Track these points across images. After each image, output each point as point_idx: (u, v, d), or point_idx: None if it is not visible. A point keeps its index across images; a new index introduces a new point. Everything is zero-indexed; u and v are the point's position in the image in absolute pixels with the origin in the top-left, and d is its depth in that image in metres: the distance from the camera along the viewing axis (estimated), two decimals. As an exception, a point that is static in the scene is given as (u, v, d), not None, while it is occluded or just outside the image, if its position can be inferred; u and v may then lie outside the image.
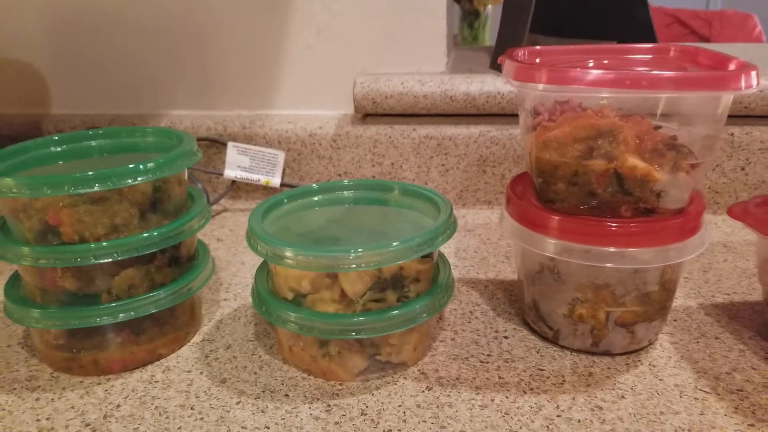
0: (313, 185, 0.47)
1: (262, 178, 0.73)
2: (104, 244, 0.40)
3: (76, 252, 0.39)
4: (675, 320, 0.47)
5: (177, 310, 0.45)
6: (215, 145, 0.76)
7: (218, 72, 0.77)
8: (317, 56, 0.75)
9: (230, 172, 0.73)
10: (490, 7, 1.87)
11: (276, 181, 0.73)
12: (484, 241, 0.63)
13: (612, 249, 0.38)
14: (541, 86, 0.36)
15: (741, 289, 0.51)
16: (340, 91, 0.76)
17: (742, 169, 0.65)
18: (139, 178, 0.40)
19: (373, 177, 0.74)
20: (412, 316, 0.40)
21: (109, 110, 0.81)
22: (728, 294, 0.50)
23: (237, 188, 0.76)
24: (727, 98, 0.37)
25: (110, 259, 0.40)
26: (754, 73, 0.34)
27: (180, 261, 0.45)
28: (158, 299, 0.42)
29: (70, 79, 0.80)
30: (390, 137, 0.72)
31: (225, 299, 0.52)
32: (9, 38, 0.79)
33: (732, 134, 0.65)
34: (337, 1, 0.72)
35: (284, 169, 0.75)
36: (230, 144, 0.73)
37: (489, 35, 1.90)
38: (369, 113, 0.73)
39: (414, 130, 0.71)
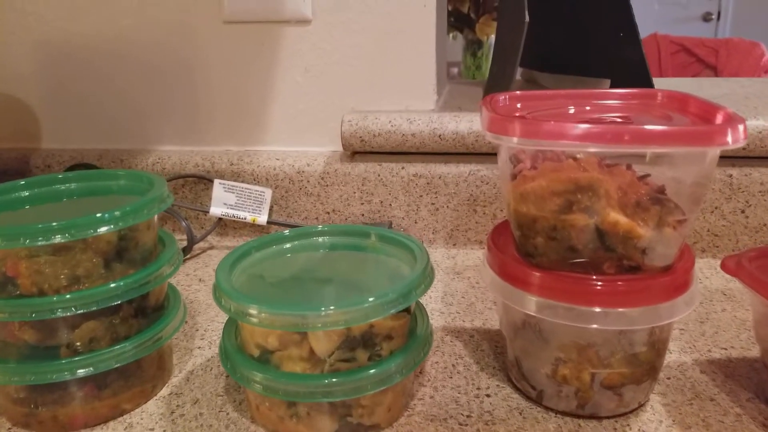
0: (285, 232, 0.46)
1: (248, 216, 0.72)
2: (67, 296, 0.38)
3: (33, 306, 0.38)
4: (668, 378, 0.44)
5: (144, 362, 0.43)
6: (202, 181, 0.74)
7: (207, 108, 0.77)
8: (306, 93, 0.74)
9: (216, 210, 0.71)
10: (493, 36, 1.86)
11: (263, 218, 0.72)
12: (472, 285, 0.61)
13: (596, 309, 0.36)
14: (515, 140, 0.34)
15: (739, 343, 0.48)
16: (328, 128, 0.75)
17: (742, 211, 0.63)
18: (101, 229, 0.38)
19: (362, 215, 0.72)
20: (384, 376, 0.37)
21: (98, 145, 0.80)
22: (725, 348, 0.48)
23: (224, 225, 0.75)
24: (713, 152, 0.35)
25: (69, 313, 0.38)
26: (741, 127, 0.33)
27: (147, 311, 0.43)
28: (122, 353, 0.40)
29: (60, 114, 0.80)
30: (379, 175, 0.70)
31: (199, 347, 0.50)
32: (1, 73, 0.79)
33: (731, 176, 0.62)
34: (325, 39, 0.71)
35: (272, 207, 0.74)
36: (216, 181, 0.71)
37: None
38: (357, 151, 0.72)
39: (403, 168, 0.70)
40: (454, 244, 0.70)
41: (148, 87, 0.77)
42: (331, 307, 0.35)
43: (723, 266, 0.41)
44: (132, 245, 0.42)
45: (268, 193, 0.72)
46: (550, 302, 0.37)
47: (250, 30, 0.73)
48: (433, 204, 0.70)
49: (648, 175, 0.37)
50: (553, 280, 0.37)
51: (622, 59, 0.65)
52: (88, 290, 0.39)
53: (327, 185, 0.72)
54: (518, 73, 0.98)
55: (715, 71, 3.45)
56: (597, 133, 0.32)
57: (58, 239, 0.37)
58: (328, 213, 0.73)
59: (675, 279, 0.37)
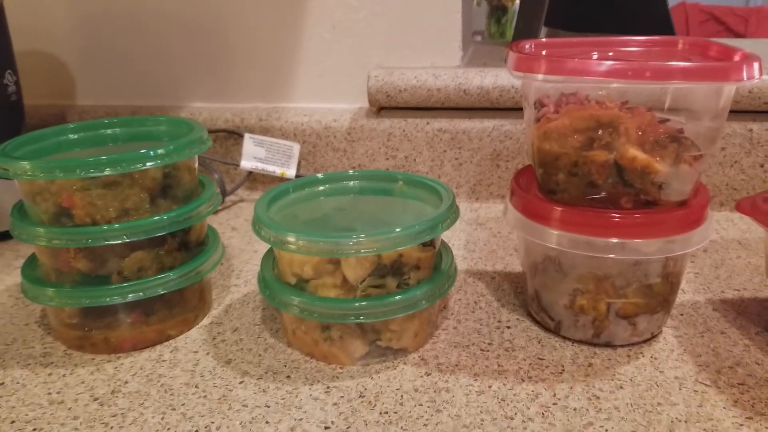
0: (319, 175, 0.48)
1: (277, 170, 0.74)
2: (115, 226, 0.41)
3: (87, 233, 0.41)
4: (681, 314, 0.46)
5: (186, 293, 0.46)
6: (233, 136, 0.77)
7: (237, 65, 0.79)
8: (333, 50, 0.76)
9: (246, 163, 0.74)
10: (517, 2, 1.85)
11: (291, 172, 0.74)
12: (494, 235, 0.63)
13: (613, 240, 0.38)
14: (540, 76, 0.36)
15: (752, 286, 0.50)
16: (354, 85, 0.77)
17: (761, 165, 0.64)
18: (148, 164, 0.41)
19: (387, 170, 0.74)
20: (411, 302, 0.40)
21: (131, 102, 0.83)
22: (738, 290, 0.50)
23: (253, 179, 0.78)
24: (729, 89, 0.36)
25: (120, 241, 0.41)
26: (756, 64, 0.34)
27: (189, 245, 0.46)
28: (167, 281, 0.43)
29: (94, 72, 0.83)
30: (404, 130, 0.72)
31: (235, 285, 0.54)
32: (38, 33, 0.82)
33: (751, 130, 0.63)
34: (353, -5, 0.73)
35: (299, 161, 0.76)
36: (247, 135, 0.74)
37: (514, 32, 1.89)
38: (383, 106, 0.74)
39: (428, 123, 0.72)
40: (476, 198, 0.73)
41: (180, 44, 0.79)
42: (363, 236, 0.38)
43: (738, 207, 0.43)
44: (175, 183, 0.44)
45: (296, 147, 0.74)
46: (569, 235, 0.39)
47: (278, -13, 0.74)
48: (456, 159, 0.72)
49: (667, 120, 0.39)
50: (573, 214, 0.39)
51: (647, 16, 0.66)
52: (136, 221, 0.42)
53: (353, 141, 0.74)
54: (543, 33, 0.99)
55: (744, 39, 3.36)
56: (619, 69, 0.34)
57: (108, 172, 0.40)
58: (354, 168, 0.75)
59: (689, 213, 0.39)
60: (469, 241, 0.62)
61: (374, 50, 0.75)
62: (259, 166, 0.74)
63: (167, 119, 0.50)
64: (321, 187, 0.48)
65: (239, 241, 0.63)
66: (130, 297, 0.42)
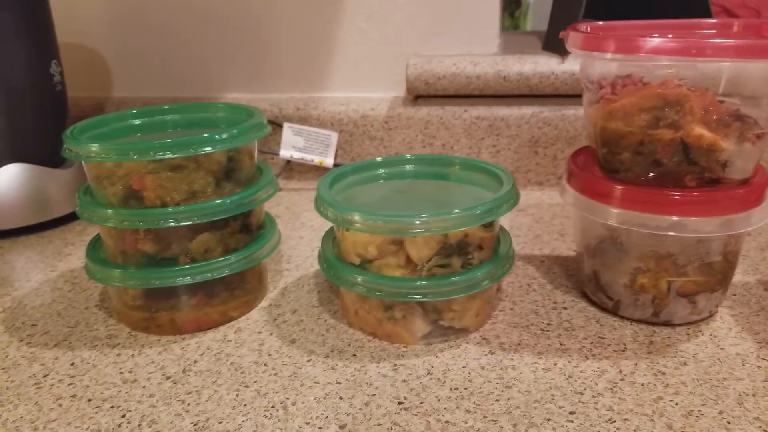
0: (377, 159, 0.49)
1: (315, 159, 0.75)
2: (183, 208, 0.42)
3: (158, 215, 0.42)
4: (734, 294, 0.47)
5: (246, 275, 0.47)
6: (271, 126, 0.78)
7: (273, 56, 0.80)
8: (369, 40, 0.77)
9: (285, 153, 0.75)
10: (531, -5, 1.85)
11: (329, 161, 0.75)
12: (536, 220, 0.64)
13: (675, 218, 0.39)
14: (609, 55, 0.37)
15: (802, 267, 0.51)
16: (391, 74, 0.77)
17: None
18: (216, 147, 0.42)
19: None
20: (474, 282, 0.41)
21: (168, 93, 0.84)
22: (788, 271, 0.50)
23: (290, 169, 0.78)
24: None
25: (189, 222, 0.42)
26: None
27: (250, 228, 0.47)
28: (231, 263, 0.44)
29: (131, 64, 0.84)
30: (441, 118, 0.73)
31: (287, 269, 0.54)
32: (78, 27, 0.83)
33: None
34: (390, -16, 0.74)
35: (337, 150, 0.77)
36: (286, 125, 0.75)
37: (530, 24, 1.88)
38: (420, 95, 0.74)
39: (465, 111, 0.72)
40: (513, 185, 0.73)
41: (215, 36, 0.80)
42: (430, 215, 0.38)
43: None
44: (238, 167, 0.45)
45: (334, 136, 0.75)
46: (632, 213, 0.40)
47: (315, -23, 0.75)
48: (494, 146, 0.73)
49: (723, 101, 0.40)
50: (635, 192, 0.40)
51: (687, 5, 0.66)
52: (203, 203, 0.43)
53: (390, 129, 0.75)
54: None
55: (757, 32, 3.34)
56: (684, 46, 0.34)
57: (179, 154, 0.41)
58: (391, 156, 0.76)
59: (751, 192, 0.39)
60: (512, 226, 0.62)
61: (410, 39, 0.76)
62: (298, 155, 0.75)
63: (225, 105, 0.51)
64: (379, 171, 0.49)
65: (284, 228, 0.64)
66: (198, 278, 0.43)
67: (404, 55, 0.76)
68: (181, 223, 0.42)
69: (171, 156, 0.40)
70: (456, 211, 0.39)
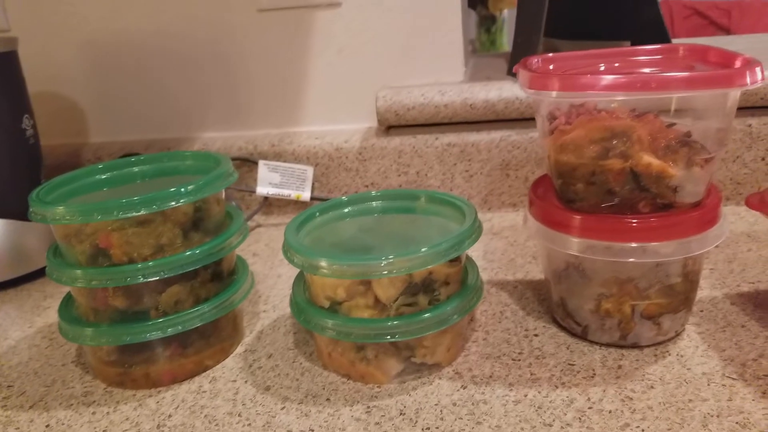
0: (343, 198, 0.50)
1: (292, 193, 0.76)
2: (151, 263, 0.43)
3: (126, 272, 0.42)
4: (701, 311, 0.48)
5: (221, 323, 0.48)
6: (247, 164, 0.79)
7: (247, 94, 0.81)
8: (340, 73, 0.78)
9: (262, 189, 0.76)
10: (506, 11, 1.88)
11: (306, 195, 0.76)
12: (511, 243, 0.64)
13: (634, 244, 0.40)
14: (554, 93, 0.38)
15: (766, 278, 0.51)
16: (363, 106, 0.79)
17: (763, 159, 0.66)
18: (181, 200, 0.43)
19: (400, 186, 0.76)
20: (443, 317, 0.41)
21: (145, 136, 0.85)
22: (753, 283, 0.51)
23: (269, 204, 0.79)
24: (734, 94, 0.38)
25: (157, 277, 0.42)
26: (758, 69, 0.36)
27: (222, 276, 0.48)
28: (203, 313, 0.45)
29: (107, 109, 0.85)
30: (414, 147, 0.74)
31: (264, 311, 0.55)
32: (49, 73, 0.84)
33: (750, 125, 0.65)
34: (355, 20, 0.75)
35: (313, 183, 0.78)
36: (261, 162, 0.76)
37: (506, 39, 1.91)
38: (392, 125, 0.75)
39: (437, 138, 0.73)
40: (489, 208, 0.74)
41: (190, 78, 0.81)
42: (394, 256, 0.39)
43: (747, 203, 0.44)
44: (206, 216, 0.46)
45: (310, 170, 0.76)
46: (591, 242, 0.41)
47: (283, 16, 0.76)
48: (467, 171, 0.74)
49: (674, 124, 0.41)
50: (593, 221, 0.41)
51: (641, 20, 0.68)
52: (171, 257, 0.43)
53: (365, 160, 0.76)
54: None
55: (728, 33, 3.41)
56: (627, 82, 0.35)
57: (144, 211, 0.41)
58: (367, 186, 0.77)
59: (704, 214, 0.40)
60: (486, 251, 0.63)
61: (380, 70, 0.77)
62: (275, 191, 0.76)
63: (193, 154, 0.52)
64: (346, 209, 0.50)
65: (262, 267, 0.65)
66: (170, 331, 0.43)
67: (375, 86, 0.77)
68: (148, 279, 0.42)
69: (134, 214, 0.41)
70: (420, 250, 0.40)
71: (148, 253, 0.43)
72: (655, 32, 0.67)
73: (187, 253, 0.44)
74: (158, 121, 0.84)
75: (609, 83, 0.36)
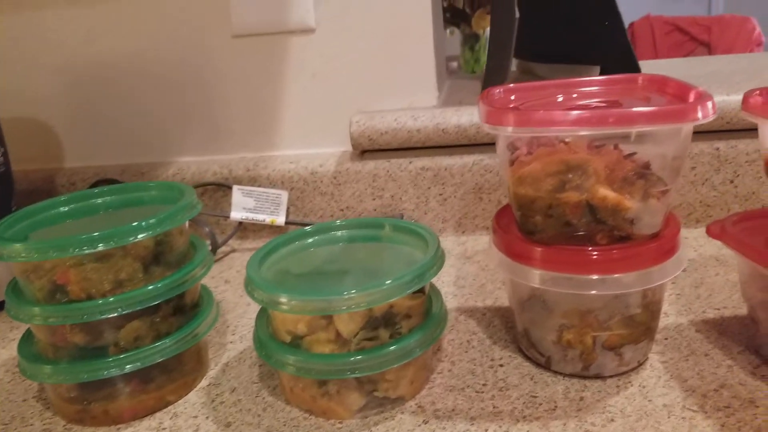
0: (307, 228, 0.50)
1: (267, 218, 0.76)
2: (110, 299, 0.42)
3: (83, 309, 0.42)
4: (666, 338, 0.48)
5: (184, 357, 0.47)
6: (222, 188, 0.78)
7: (222, 118, 0.81)
8: (314, 98, 0.78)
9: (236, 214, 0.75)
10: (489, 29, 1.89)
11: (281, 219, 0.76)
12: (482, 268, 0.64)
13: (593, 276, 0.40)
14: (510, 129, 0.38)
15: (732, 303, 0.52)
16: (338, 130, 0.79)
17: (731, 181, 0.66)
18: (140, 235, 0.42)
19: (374, 210, 0.76)
20: (405, 351, 0.41)
21: (119, 161, 0.85)
22: (719, 309, 0.51)
23: (244, 229, 0.79)
24: (687, 128, 0.38)
25: (116, 314, 0.42)
26: (710, 104, 0.36)
27: (184, 309, 0.47)
28: (164, 348, 0.44)
29: (82, 133, 0.84)
30: (388, 171, 0.74)
31: (231, 342, 0.54)
32: (24, 98, 0.83)
33: (718, 149, 0.66)
34: (329, 46, 0.75)
35: (288, 208, 0.78)
36: (235, 187, 0.75)
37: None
38: (366, 149, 0.76)
39: (410, 162, 0.74)
40: (463, 232, 0.74)
41: (166, 102, 0.81)
42: (353, 291, 0.39)
43: (708, 231, 0.44)
44: (167, 249, 0.46)
45: (284, 195, 0.76)
46: (552, 274, 0.41)
47: (258, 42, 0.77)
48: (441, 194, 0.74)
49: (634, 153, 0.41)
50: (553, 253, 0.41)
51: (610, 46, 0.69)
52: (130, 292, 0.43)
53: (339, 184, 0.76)
54: (515, 65, 1.02)
55: (708, 48, 3.45)
56: (583, 118, 0.36)
57: (101, 247, 0.41)
58: (342, 210, 0.77)
59: (662, 245, 0.40)
60: (458, 276, 0.63)
61: (354, 95, 0.77)
62: (249, 216, 0.75)
63: (157, 184, 0.52)
64: (310, 239, 0.49)
65: (232, 295, 0.64)
66: (128, 368, 0.43)
67: (349, 110, 0.77)
68: (105, 317, 0.42)
69: (91, 250, 0.41)
70: (380, 283, 0.39)
71: (107, 288, 0.43)
72: (624, 59, 0.68)
73: (148, 287, 0.44)
74: (133, 146, 0.84)
75: (563, 119, 0.36)
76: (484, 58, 1.97)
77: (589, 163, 0.38)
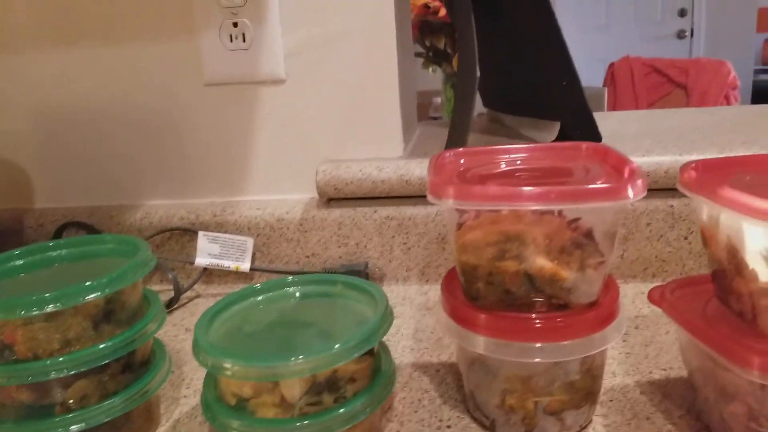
0: (257, 285, 0.50)
1: (232, 264, 0.76)
2: (58, 359, 0.42)
3: (29, 369, 0.42)
4: (611, 400, 0.48)
5: (132, 415, 0.47)
6: (188, 233, 0.79)
7: (192, 164, 0.82)
8: (283, 146, 0.80)
9: (201, 260, 0.76)
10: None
11: (246, 266, 0.76)
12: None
13: (536, 344, 0.41)
14: (451, 202, 0.39)
15: (678, 363, 0.53)
16: (305, 177, 0.80)
17: (685, 238, 0.68)
18: (91, 295, 0.43)
19: (340, 257, 0.77)
20: (349, 415, 0.42)
21: (89, 203, 0.85)
22: (665, 369, 0.52)
23: (209, 274, 0.79)
24: (620, 204, 0.39)
25: (62, 375, 0.42)
26: (639, 182, 0.38)
27: (134, 366, 0.47)
28: (111, 408, 0.44)
29: (52, 174, 0.85)
30: (353, 219, 0.75)
31: (185, 396, 0.54)
32: (-6, 140, 0.84)
33: (672, 206, 0.68)
34: (298, 97, 0.77)
35: (254, 254, 0.78)
36: (200, 233, 0.76)
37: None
38: (332, 198, 0.77)
39: (375, 211, 0.75)
40: (426, 281, 0.75)
41: (136, 146, 0.82)
42: (299, 357, 0.39)
43: (649, 297, 0.45)
44: (118, 307, 0.46)
45: (250, 241, 0.76)
46: (493, 340, 0.42)
47: (229, 91, 0.78)
48: (405, 243, 0.75)
49: (579, 219, 0.42)
50: (494, 320, 0.42)
51: (568, 105, 0.71)
52: (78, 352, 0.43)
53: (305, 231, 0.77)
54: (486, 113, 1.04)
55: (686, 90, 3.54)
56: (513, 194, 0.37)
57: (50, 308, 0.41)
58: (308, 257, 0.77)
59: (600, 312, 0.42)
60: (417, 329, 0.64)
61: (322, 144, 0.79)
62: (214, 261, 0.76)
63: (113, 238, 0.52)
64: (262, 296, 0.50)
65: (190, 344, 0.64)
66: (73, 429, 0.43)
67: (317, 159, 0.78)
68: (52, 377, 0.42)
69: (38, 312, 0.41)
70: (328, 349, 0.40)
71: (54, 348, 0.43)
72: (582, 118, 0.70)
73: (98, 347, 0.44)
74: (103, 189, 0.84)
75: (496, 195, 0.37)
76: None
77: (527, 233, 0.40)
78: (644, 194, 0.38)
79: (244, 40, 0.74)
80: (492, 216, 0.42)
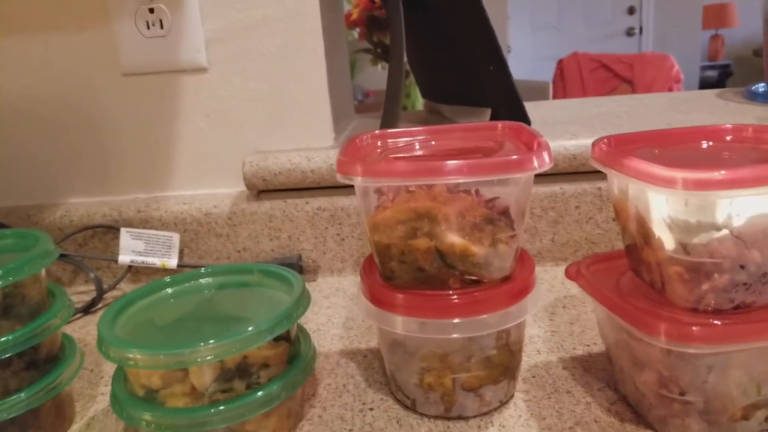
0: (166, 278, 0.48)
1: (158, 261, 0.74)
2: (-49, 356, 0.40)
3: None
4: (534, 377, 0.49)
5: (41, 412, 0.45)
6: (111, 230, 0.76)
7: (113, 159, 0.79)
8: (209, 138, 0.77)
9: (125, 258, 0.73)
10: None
11: (173, 262, 0.74)
12: (373, 309, 0.64)
13: (450, 320, 0.40)
14: (359, 179, 0.38)
15: (600, 340, 0.53)
16: (233, 170, 0.78)
17: (614, 219, 0.69)
18: (-18, 289, 0.40)
19: (272, 250, 0.75)
20: (262, 401, 0.40)
21: (5, 203, 0.81)
22: (588, 345, 0.53)
23: (136, 271, 0.76)
24: (526, 176, 0.40)
25: (-47, 373, 0.40)
26: (545, 154, 0.38)
27: (38, 363, 0.45)
28: (15, 404, 0.42)
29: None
30: (284, 211, 0.74)
31: (102, 393, 0.52)
32: None
33: (600, 188, 0.69)
34: (223, 86, 0.75)
35: (182, 250, 0.76)
36: (123, 230, 0.73)
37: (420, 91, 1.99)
38: (262, 190, 0.75)
39: (307, 203, 0.74)
40: (359, 271, 0.74)
41: (53, 142, 0.78)
42: (202, 344, 0.38)
43: (566, 273, 0.46)
44: (18, 301, 0.44)
45: (176, 237, 0.74)
46: (410, 319, 0.41)
47: (149, 81, 0.76)
48: (338, 234, 0.74)
49: (497, 198, 0.42)
50: (409, 298, 0.41)
51: (497, 91, 0.71)
52: (-26, 348, 0.41)
53: (235, 225, 0.75)
54: (423, 104, 1.04)
55: (631, 84, 3.65)
56: (418, 169, 0.37)
57: (-61, 302, 0.39)
58: (239, 251, 0.76)
59: (515, 286, 0.42)
60: (348, 318, 0.63)
61: (250, 135, 0.77)
62: (139, 259, 0.73)
63: (13, 232, 0.50)
64: (172, 289, 0.48)
65: (114, 343, 0.62)
66: (-30, 428, 0.40)
67: (245, 150, 0.77)
68: (-59, 376, 0.39)
69: None
70: (236, 334, 0.39)
71: (-54, 345, 0.40)
72: (511, 103, 0.71)
73: (-5, 342, 0.41)
74: (20, 188, 0.80)
75: (402, 171, 0.37)
76: (414, 93, 2.02)
77: (437, 210, 0.39)
78: (550, 165, 0.38)
79: (161, 27, 0.72)
80: (406, 196, 0.42)
